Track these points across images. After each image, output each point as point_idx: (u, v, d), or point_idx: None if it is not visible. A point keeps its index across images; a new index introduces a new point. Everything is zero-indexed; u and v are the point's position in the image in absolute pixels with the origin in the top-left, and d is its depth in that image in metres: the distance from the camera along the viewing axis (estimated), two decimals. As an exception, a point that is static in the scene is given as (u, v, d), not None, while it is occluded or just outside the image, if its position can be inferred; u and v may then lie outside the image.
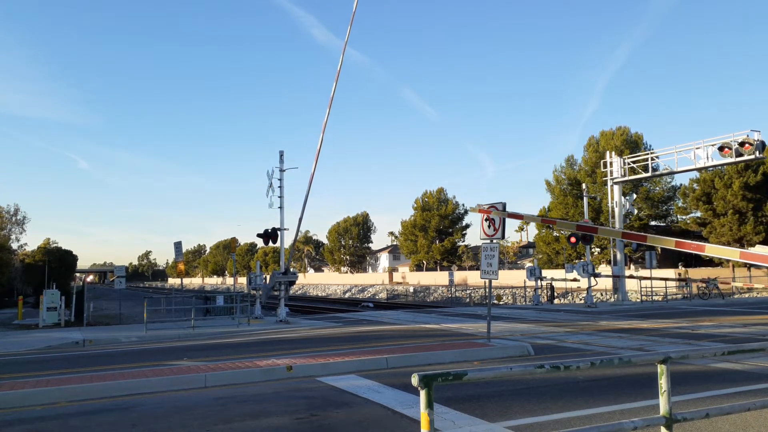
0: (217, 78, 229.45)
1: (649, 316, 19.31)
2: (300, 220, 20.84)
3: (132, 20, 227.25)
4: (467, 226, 77.58)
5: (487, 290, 14.82)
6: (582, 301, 31.84)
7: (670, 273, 42.80)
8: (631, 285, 34.09)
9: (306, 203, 20.70)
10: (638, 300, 31.30)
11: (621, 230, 13.60)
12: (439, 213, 75.59)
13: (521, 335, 14.38)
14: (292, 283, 20.91)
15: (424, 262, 78.30)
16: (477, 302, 45.58)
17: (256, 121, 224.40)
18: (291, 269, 21.05)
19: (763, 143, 22.72)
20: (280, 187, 20.76)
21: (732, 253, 8.27)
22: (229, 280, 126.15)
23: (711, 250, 8.96)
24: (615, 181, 28.59)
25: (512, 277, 56.53)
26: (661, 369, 3.88)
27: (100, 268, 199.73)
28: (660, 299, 31.01)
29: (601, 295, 39.71)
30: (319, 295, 75.59)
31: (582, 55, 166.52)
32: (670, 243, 9.62)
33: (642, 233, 11.14)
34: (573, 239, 27.68)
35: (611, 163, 28.95)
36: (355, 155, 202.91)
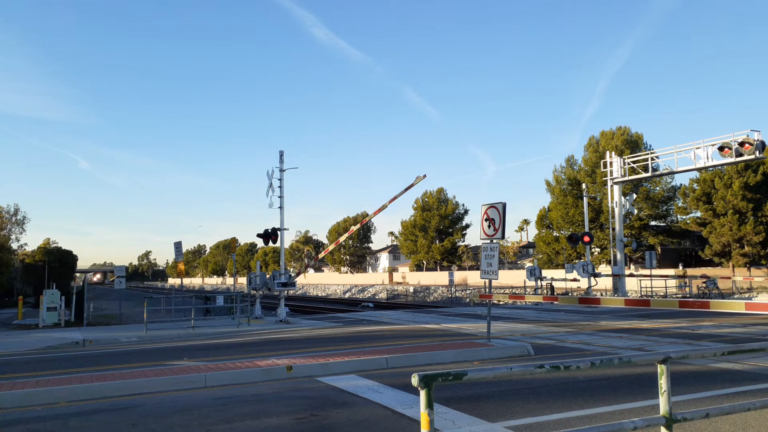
0: (217, 78, 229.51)
1: (649, 316, 19.30)
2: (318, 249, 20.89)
3: (132, 20, 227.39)
4: (467, 226, 77.64)
5: (487, 290, 14.81)
6: (582, 301, 31.78)
7: (670, 273, 42.83)
8: (631, 284, 34.08)
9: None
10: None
11: (624, 298, 13.66)
12: (439, 213, 75.58)
13: (521, 335, 14.38)
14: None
15: (424, 262, 78.30)
16: (477, 302, 45.56)
17: (256, 121, 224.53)
18: (291, 276, 21.04)
19: (763, 143, 22.72)
20: (280, 187, 20.79)
21: (738, 305, 8.35)
22: (229, 280, 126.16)
23: (715, 305, 9.05)
24: (615, 181, 28.59)
25: (512, 277, 56.52)
26: (661, 369, 3.88)
27: (100, 268, 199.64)
28: (660, 299, 31.01)
29: (601, 294, 39.64)
30: (319, 295, 75.57)
31: (583, 55, 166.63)
32: (674, 304, 9.72)
33: (646, 300, 11.35)
34: (573, 239, 27.72)
35: (611, 163, 28.95)
36: (355, 155, 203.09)
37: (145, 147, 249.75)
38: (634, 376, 8.56)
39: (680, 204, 53.26)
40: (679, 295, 33.44)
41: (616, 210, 28.48)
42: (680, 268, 46.54)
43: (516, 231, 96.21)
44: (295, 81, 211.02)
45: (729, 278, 38.42)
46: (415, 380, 3.19)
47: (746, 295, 35.32)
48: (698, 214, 51.01)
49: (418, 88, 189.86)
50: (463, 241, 78.50)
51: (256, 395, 7.94)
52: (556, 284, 33.85)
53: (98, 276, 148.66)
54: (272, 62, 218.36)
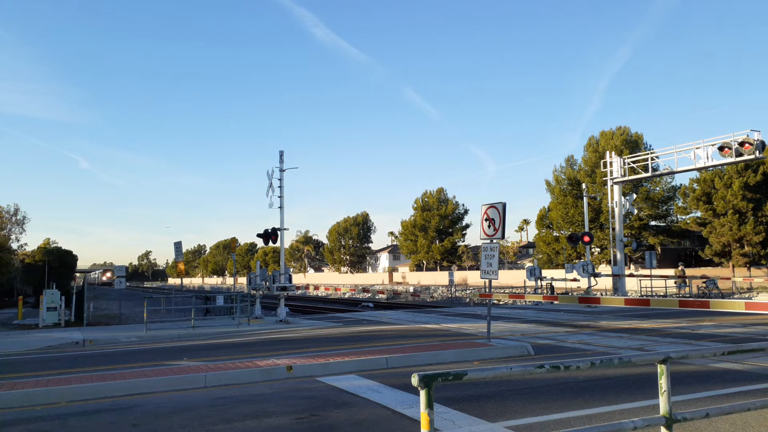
0: (217, 78, 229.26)
1: (649, 316, 19.31)
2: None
3: (132, 20, 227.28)
4: (467, 226, 77.68)
5: (487, 290, 14.81)
6: (582, 301, 31.78)
7: (670, 273, 42.80)
8: (631, 284, 34.08)
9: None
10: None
11: (624, 298, 13.64)
12: (439, 213, 75.62)
13: (521, 335, 14.38)
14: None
15: (424, 262, 78.32)
16: (477, 302, 45.56)
17: (256, 121, 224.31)
18: (290, 276, 21.08)
19: (763, 143, 22.72)
20: (280, 187, 20.79)
21: (737, 305, 8.37)
22: (229, 280, 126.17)
23: (715, 305, 9.06)
24: (615, 181, 28.59)
25: (512, 277, 56.55)
26: (661, 369, 3.89)
27: (100, 267, 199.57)
28: (660, 299, 30.98)
29: (601, 294, 39.64)
30: (320, 295, 75.56)
31: (584, 55, 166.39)
32: (674, 304, 9.71)
33: (646, 299, 11.41)
34: (573, 239, 27.73)
35: (611, 163, 28.95)
36: (355, 155, 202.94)
37: (145, 147, 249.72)
38: (634, 376, 8.56)
39: (680, 204, 53.27)
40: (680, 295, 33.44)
41: (616, 210, 28.48)
42: (680, 267, 46.50)
43: (516, 231, 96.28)
44: (295, 81, 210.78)
45: (729, 278, 38.41)
46: (415, 380, 3.19)
47: (746, 295, 35.31)
48: (698, 214, 51.00)
49: (418, 88, 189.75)
50: (463, 241, 78.56)
51: (256, 395, 7.95)
52: (556, 284, 33.85)
53: (108, 275, 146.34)
54: (272, 62, 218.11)
